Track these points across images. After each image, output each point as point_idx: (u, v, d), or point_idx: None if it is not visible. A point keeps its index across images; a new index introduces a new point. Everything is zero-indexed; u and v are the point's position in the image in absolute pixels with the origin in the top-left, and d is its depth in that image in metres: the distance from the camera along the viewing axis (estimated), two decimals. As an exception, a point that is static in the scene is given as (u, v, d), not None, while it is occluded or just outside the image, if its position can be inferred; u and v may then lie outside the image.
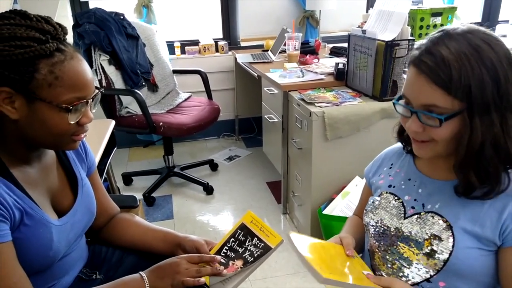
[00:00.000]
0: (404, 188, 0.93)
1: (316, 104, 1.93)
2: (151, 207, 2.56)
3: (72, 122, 0.83)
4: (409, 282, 0.86)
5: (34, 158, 0.91)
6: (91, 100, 0.86)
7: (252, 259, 0.97)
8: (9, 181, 0.82)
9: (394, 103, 0.85)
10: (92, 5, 3.08)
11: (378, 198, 0.97)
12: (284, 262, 2.03)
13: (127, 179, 2.84)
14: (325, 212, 1.86)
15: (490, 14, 3.90)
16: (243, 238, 1.02)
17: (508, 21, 3.53)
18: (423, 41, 0.80)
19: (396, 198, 0.94)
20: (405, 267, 0.87)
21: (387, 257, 0.91)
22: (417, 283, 0.85)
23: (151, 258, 1.09)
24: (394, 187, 0.96)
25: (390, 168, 1.00)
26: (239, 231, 1.03)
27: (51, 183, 0.94)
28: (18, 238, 0.81)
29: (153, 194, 2.63)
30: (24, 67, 0.77)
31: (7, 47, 0.76)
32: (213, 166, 3.01)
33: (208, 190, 2.68)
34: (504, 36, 3.44)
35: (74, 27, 2.48)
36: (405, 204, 0.91)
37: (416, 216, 0.88)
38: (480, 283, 0.83)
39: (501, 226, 0.78)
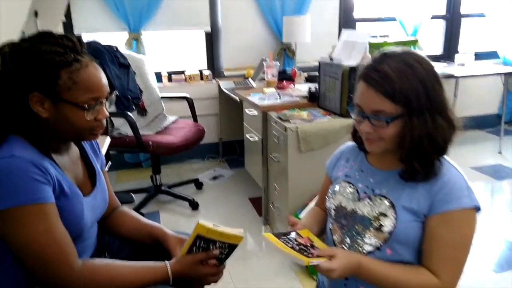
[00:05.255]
0: (358, 177, 1.12)
1: (291, 121, 2.17)
2: (140, 223, 2.70)
3: (88, 118, 1.00)
4: (364, 251, 1.05)
5: (63, 150, 1.09)
6: (104, 100, 1.04)
7: (223, 256, 1.09)
8: (51, 161, 1.01)
9: (349, 110, 1.06)
10: (86, 37, 3.33)
11: (337, 186, 1.16)
12: (267, 263, 2.20)
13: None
14: (301, 216, 2.06)
15: (450, 46, 4.32)
16: (205, 245, 1.06)
17: (465, 52, 3.92)
18: (368, 62, 1.00)
19: (351, 185, 1.12)
20: (360, 239, 1.06)
21: (346, 233, 1.10)
22: (370, 252, 1.05)
23: (143, 250, 1.27)
24: (350, 177, 1.15)
25: (347, 162, 1.20)
26: (198, 240, 1.05)
27: (77, 172, 1.12)
28: (59, 207, 0.98)
29: (141, 211, 2.78)
30: (49, 75, 0.95)
31: (35, 60, 0.94)
32: (198, 184, 3.19)
33: (194, 205, 2.85)
34: (462, 65, 3.83)
35: (70, 56, 2.70)
36: (359, 191, 1.10)
37: (368, 200, 1.06)
38: (417, 249, 1.02)
39: (430, 199, 0.99)
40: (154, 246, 1.24)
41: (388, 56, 0.98)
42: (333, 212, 1.14)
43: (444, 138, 0.99)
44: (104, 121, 1.07)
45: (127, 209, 1.35)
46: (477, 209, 0.98)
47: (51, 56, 0.95)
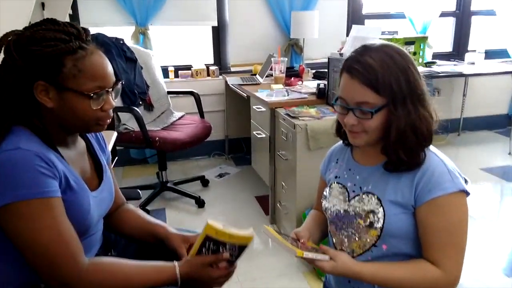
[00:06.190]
0: (346, 177, 1.13)
1: (300, 118, 2.14)
2: (145, 219, 2.69)
3: (94, 108, 0.97)
4: (363, 249, 1.05)
5: (70, 143, 1.06)
6: (111, 89, 1.00)
7: (233, 258, 1.05)
8: (57, 154, 0.98)
9: (333, 104, 1.05)
10: (92, 31, 3.30)
11: (330, 188, 1.16)
12: (274, 263, 2.17)
13: (122, 194, 2.96)
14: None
15: (460, 44, 4.26)
16: (215, 247, 1.02)
17: (475, 50, 3.86)
18: (350, 54, 1.01)
19: (341, 186, 1.13)
20: (356, 238, 1.06)
21: (342, 234, 1.10)
22: (367, 250, 1.05)
23: (149, 248, 1.24)
24: (339, 177, 1.15)
25: (336, 163, 1.20)
26: (207, 241, 1.01)
27: (84, 165, 1.09)
28: (66, 201, 0.95)
29: (147, 207, 2.76)
30: (53, 62, 0.93)
31: (39, 47, 0.92)
32: (204, 182, 3.16)
33: (200, 203, 2.82)
34: (472, 63, 3.77)
35: (76, 50, 2.68)
36: (348, 190, 1.10)
37: (357, 198, 1.07)
38: (412, 240, 1.02)
39: (414, 190, 0.98)
40: (159, 244, 1.22)
41: (369, 49, 0.99)
42: (329, 215, 1.15)
43: (428, 128, 1.00)
44: (111, 112, 1.04)
45: (132, 207, 1.33)
46: (465, 192, 0.98)
47: (55, 42, 0.93)
